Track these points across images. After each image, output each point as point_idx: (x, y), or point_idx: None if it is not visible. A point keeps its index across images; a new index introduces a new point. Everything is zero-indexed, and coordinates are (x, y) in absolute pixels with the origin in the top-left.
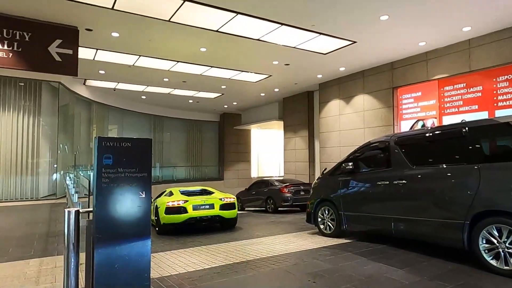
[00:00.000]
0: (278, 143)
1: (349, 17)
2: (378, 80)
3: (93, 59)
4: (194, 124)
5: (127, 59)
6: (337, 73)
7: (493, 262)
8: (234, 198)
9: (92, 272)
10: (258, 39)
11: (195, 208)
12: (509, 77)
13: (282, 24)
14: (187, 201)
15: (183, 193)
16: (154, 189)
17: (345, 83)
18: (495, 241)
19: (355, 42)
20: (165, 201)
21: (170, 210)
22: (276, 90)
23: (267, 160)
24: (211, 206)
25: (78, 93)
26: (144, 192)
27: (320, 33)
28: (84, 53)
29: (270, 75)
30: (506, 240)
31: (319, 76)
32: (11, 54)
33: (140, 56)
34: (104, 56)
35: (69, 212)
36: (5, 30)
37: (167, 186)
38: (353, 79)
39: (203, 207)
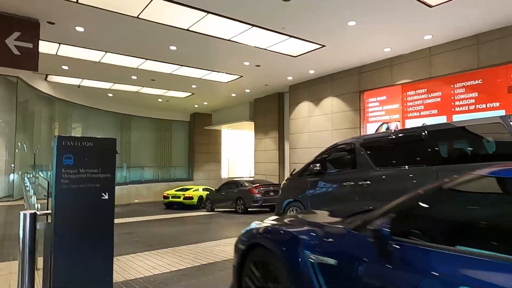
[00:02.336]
0: (248, 144)
1: (318, 21)
2: (346, 83)
3: (56, 54)
4: (163, 124)
5: (92, 55)
6: (307, 75)
7: None
8: (197, 192)
9: (51, 277)
10: (229, 40)
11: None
12: (466, 84)
13: (253, 25)
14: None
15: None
16: (120, 190)
17: (314, 86)
18: None
19: (324, 46)
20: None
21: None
22: (247, 91)
23: (237, 161)
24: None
25: (39, 89)
26: (107, 193)
27: (291, 36)
28: (45, 47)
29: (241, 76)
30: None
31: (290, 78)
32: None
33: (106, 52)
34: (67, 51)
35: (24, 214)
36: None
37: (135, 187)
38: (322, 82)
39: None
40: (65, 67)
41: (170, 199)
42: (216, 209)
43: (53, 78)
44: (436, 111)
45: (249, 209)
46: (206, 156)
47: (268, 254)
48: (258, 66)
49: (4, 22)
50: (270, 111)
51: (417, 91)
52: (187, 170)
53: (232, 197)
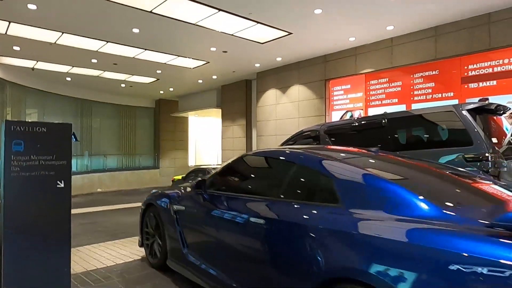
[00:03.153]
0: (216, 131)
1: (286, 8)
2: (312, 72)
3: (5, 33)
4: (127, 110)
5: (47, 36)
6: (274, 63)
7: None
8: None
9: (0, 270)
10: (195, 24)
11: None
12: (424, 74)
13: (219, 10)
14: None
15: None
16: (82, 179)
17: (281, 73)
18: None
19: (291, 33)
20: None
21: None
22: (214, 77)
23: (205, 149)
24: None
25: None
26: (63, 181)
27: (258, 22)
28: None
29: (208, 62)
30: None
31: (257, 65)
32: None
33: (63, 33)
34: (19, 30)
35: None
36: None
37: (97, 176)
38: (289, 70)
39: None
40: (17, 48)
41: None
42: None
43: (3, 60)
44: (396, 100)
45: None
46: (172, 144)
47: (155, 209)
48: (225, 52)
49: None
50: (237, 98)
51: (379, 80)
52: (153, 158)
53: None
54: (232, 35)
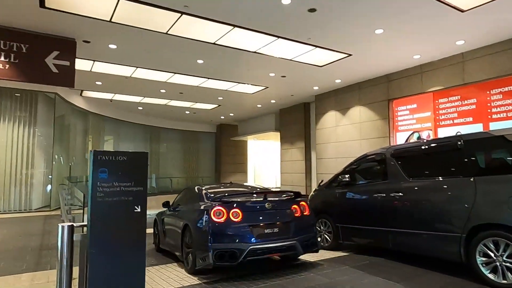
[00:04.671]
0: (274, 154)
1: (344, 30)
2: (374, 92)
3: (90, 70)
4: (190, 135)
5: (124, 71)
6: (333, 85)
7: (491, 276)
8: None
9: (86, 287)
10: (255, 52)
11: None
12: (503, 89)
13: (278, 37)
14: None
15: None
16: (149, 200)
17: (341, 95)
18: (492, 254)
19: (350, 54)
20: None
21: None
22: (273, 101)
23: (263, 171)
24: None
25: (75, 104)
26: (139, 206)
27: (316, 46)
28: (81, 64)
29: (267, 87)
30: (503, 253)
31: (316, 88)
32: (7, 65)
33: (137, 67)
34: (101, 67)
35: (62, 227)
36: (2, 42)
37: (163, 198)
38: (349, 91)
39: None
40: (99, 83)
41: None
42: None
43: (87, 93)
44: (471, 119)
45: None
46: (232, 167)
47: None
48: (284, 77)
49: (44, 42)
50: (296, 121)
51: (449, 98)
52: (214, 181)
53: None
54: (290, 60)
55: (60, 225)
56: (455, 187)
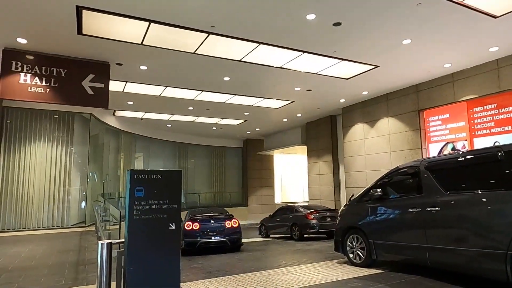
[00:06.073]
0: (301, 168)
1: (371, 42)
2: (403, 103)
3: (123, 91)
4: (217, 151)
5: (154, 90)
6: (360, 97)
7: None
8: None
9: None
10: (280, 67)
11: None
12: None
13: (304, 51)
14: None
15: None
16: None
17: (368, 107)
18: None
19: (377, 66)
20: None
21: None
22: (299, 115)
23: (291, 186)
24: None
25: (108, 123)
26: (174, 223)
27: (342, 59)
28: (114, 85)
29: (293, 101)
30: None
31: (342, 100)
32: (48, 89)
33: (166, 86)
34: (132, 88)
35: (102, 244)
36: (43, 68)
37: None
38: (377, 102)
39: None
40: (130, 103)
41: None
42: (271, 235)
43: (119, 113)
44: (510, 128)
45: (305, 236)
46: (259, 181)
47: None
48: (310, 90)
49: (81, 66)
50: (322, 134)
51: (485, 106)
52: (241, 196)
53: (287, 223)
54: (316, 74)
55: (99, 243)
56: (497, 200)
